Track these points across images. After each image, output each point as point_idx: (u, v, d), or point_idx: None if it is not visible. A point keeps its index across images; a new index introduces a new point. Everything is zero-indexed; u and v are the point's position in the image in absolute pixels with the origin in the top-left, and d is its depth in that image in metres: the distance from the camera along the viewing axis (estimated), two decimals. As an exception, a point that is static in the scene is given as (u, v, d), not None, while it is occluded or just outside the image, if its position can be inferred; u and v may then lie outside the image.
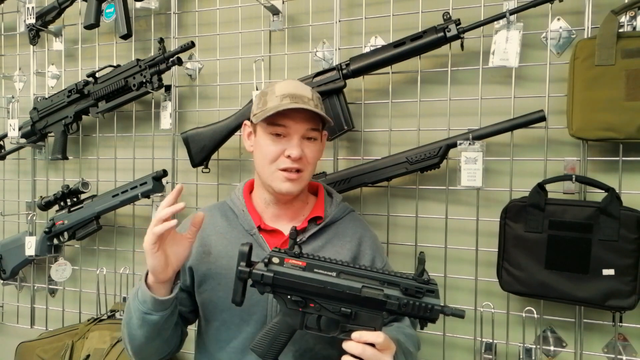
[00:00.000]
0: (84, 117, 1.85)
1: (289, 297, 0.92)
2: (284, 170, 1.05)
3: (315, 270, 0.91)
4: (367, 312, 0.89)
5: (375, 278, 0.90)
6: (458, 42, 1.34)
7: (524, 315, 1.30)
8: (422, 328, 0.92)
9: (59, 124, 1.85)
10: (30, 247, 1.83)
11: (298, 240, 1.08)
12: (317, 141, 1.09)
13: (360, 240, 1.16)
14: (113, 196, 1.72)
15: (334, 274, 0.90)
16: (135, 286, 1.04)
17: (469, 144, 1.31)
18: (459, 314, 0.88)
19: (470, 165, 1.31)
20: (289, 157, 1.04)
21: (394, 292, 0.88)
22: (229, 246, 1.10)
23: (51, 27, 1.94)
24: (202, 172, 1.64)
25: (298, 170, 1.06)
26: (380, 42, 1.52)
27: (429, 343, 1.47)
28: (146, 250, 0.94)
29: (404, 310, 0.87)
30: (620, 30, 1.23)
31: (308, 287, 0.90)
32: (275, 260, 0.92)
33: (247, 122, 1.16)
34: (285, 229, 1.12)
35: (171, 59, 1.61)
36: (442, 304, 0.88)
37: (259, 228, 1.11)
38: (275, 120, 1.05)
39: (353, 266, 0.92)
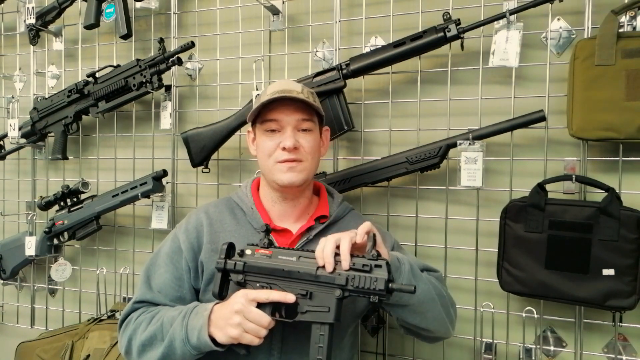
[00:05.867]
0: (84, 117, 1.85)
1: (257, 285, 0.97)
2: (283, 162, 1.07)
3: (279, 256, 0.97)
4: (322, 292, 0.91)
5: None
6: (458, 42, 1.34)
7: (524, 315, 1.30)
8: (376, 309, 0.91)
9: (59, 124, 1.85)
10: (30, 247, 1.83)
11: (305, 239, 1.12)
12: (312, 132, 1.11)
13: None
14: (113, 196, 1.72)
15: (294, 258, 0.95)
16: (181, 320, 0.99)
17: (469, 144, 1.31)
18: (407, 290, 0.86)
19: (470, 165, 1.31)
20: (284, 148, 1.06)
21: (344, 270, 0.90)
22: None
23: (51, 27, 1.94)
24: (202, 172, 1.64)
25: (297, 161, 1.07)
26: (380, 42, 1.52)
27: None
28: (259, 331, 0.92)
29: (352, 285, 0.88)
30: (620, 30, 1.23)
31: (270, 271, 0.96)
32: (248, 252, 1.00)
33: (249, 128, 1.19)
34: (293, 227, 1.13)
35: (171, 59, 1.61)
36: (388, 277, 0.87)
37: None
38: (267, 116, 1.08)
39: (312, 251, 0.95)
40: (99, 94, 1.73)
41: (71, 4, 1.83)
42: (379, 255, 0.89)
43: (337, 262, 0.91)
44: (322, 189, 1.22)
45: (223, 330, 0.93)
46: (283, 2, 1.60)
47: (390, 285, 0.86)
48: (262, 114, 1.10)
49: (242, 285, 0.98)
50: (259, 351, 1.05)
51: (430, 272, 1.17)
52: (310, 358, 0.89)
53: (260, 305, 0.93)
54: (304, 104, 1.07)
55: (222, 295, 1.00)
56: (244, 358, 0.99)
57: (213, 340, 0.95)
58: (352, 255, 0.90)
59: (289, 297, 0.92)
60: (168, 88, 1.73)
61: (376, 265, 0.88)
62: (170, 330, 1.00)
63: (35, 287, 2.00)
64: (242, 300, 0.93)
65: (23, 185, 2.04)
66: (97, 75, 1.75)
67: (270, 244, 1.00)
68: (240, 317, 0.91)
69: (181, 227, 1.17)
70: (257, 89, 1.56)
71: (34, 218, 1.90)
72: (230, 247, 1.01)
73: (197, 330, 0.96)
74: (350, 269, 0.89)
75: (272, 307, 0.94)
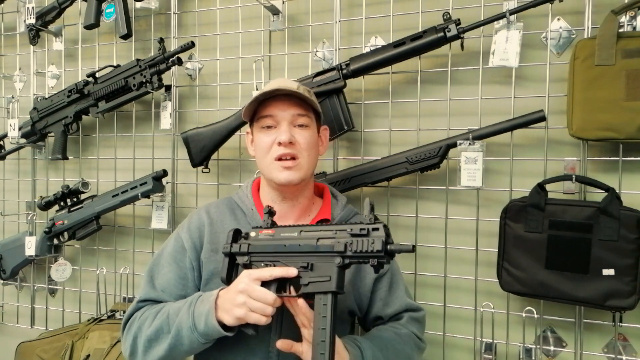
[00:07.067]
0: (84, 117, 1.85)
1: (262, 264, 0.98)
2: (280, 159, 1.07)
3: (282, 234, 0.99)
4: (322, 262, 0.92)
5: (329, 229, 0.94)
6: (458, 42, 1.34)
7: (524, 315, 1.30)
8: (377, 271, 0.90)
9: (59, 124, 1.85)
10: (30, 247, 1.83)
11: None
12: (308, 128, 1.10)
13: None
14: (113, 196, 1.72)
15: (296, 233, 0.97)
16: (187, 308, 0.99)
17: (469, 144, 1.31)
18: (405, 249, 0.85)
19: (470, 165, 1.31)
20: (280, 143, 1.06)
21: (343, 237, 0.91)
22: None
23: (51, 27, 1.94)
24: (202, 172, 1.64)
25: (293, 158, 1.07)
26: (380, 42, 1.52)
27: (429, 343, 1.46)
28: (266, 310, 0.91)
29: (350, 250, 0.89)
30: (620, 30, 1.23)
31: (272, 249, 0.97)
32: (253, 234, 1.02)
33: (248, 129, 1.19)
34: None
35: (171, 59, 1.61)
36: (386, 239, 0.87)
37: None
38: (262, 113, 1.09)
39: (313, 225, 0.97)
40: (99, 94, 1.73)
41: (71, 4, 1.83)
42: (376, 219, 0.89)
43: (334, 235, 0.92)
44: (326, 191, 1.22)
45: (230, 312, 0.93)
46: (283, 2, 1.60)
47: (388, 246, 0.86)
48: (258, 112, 1.10)
49: (248, 266, 0.99)
50: (258, 353, 1.05)
51: (412, 312, 1.18)
52: (314, 329, 0.89)
53: (265, 284, 0.93)
54: (299, 99, 1.07)
55: (230, 280, 1.00)
56: (250, 346, 0.97)
57: (222, 325, 0.94)
58: (349, 223, 0.92)
59: (291, 271, 0.92)
60: (168, 88, 1.73)
61: (373, 229, 0.88)
62: (176, 320, 0.99)
63: (35, 287, 2.00)
64: (246, 280, 0.92)
65: (23, 185, 2.04)
66: (97, 75, 1.75)
67: (274, 225, 1.01)
68: (244, 296, 0.91)
69: (183, 227, 1.17)
70: (257, 89, 1.56)
71: (34, 218, 1.90)
72: (237, 233, 1.03)
73: (204, 316, 0.95)
74: (350, 234, 0.90)
75: (277, 285, 0.94)
